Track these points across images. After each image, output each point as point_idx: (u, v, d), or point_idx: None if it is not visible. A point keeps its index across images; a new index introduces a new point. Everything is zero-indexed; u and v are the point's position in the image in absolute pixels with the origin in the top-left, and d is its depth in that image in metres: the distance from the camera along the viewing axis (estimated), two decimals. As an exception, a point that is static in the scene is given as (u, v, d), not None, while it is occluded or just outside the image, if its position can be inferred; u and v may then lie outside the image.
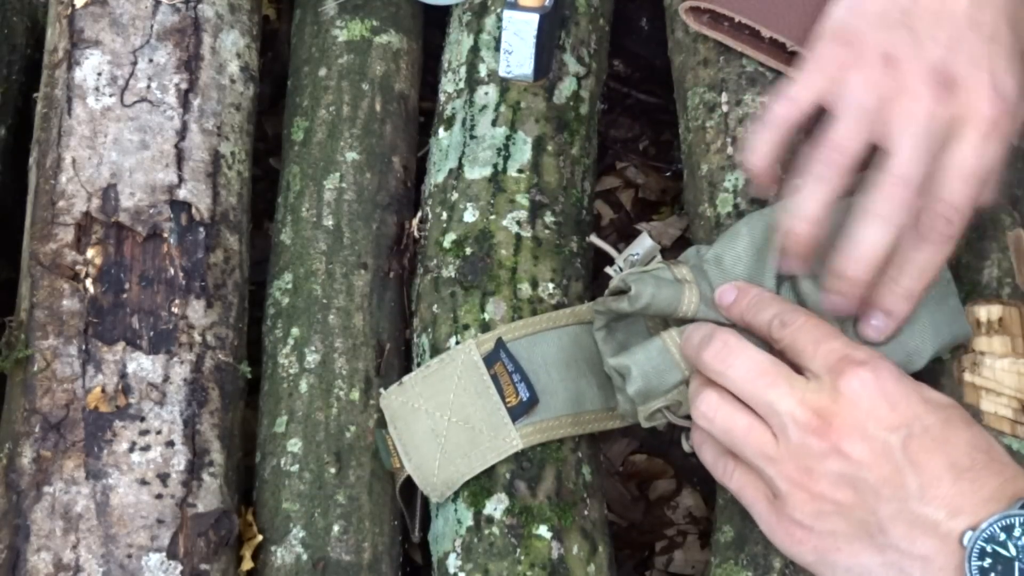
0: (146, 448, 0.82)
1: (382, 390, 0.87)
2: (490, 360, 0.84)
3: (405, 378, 0.86)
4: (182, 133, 0.91)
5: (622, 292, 0.79)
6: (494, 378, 0.83)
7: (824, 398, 0.67)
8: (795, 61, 0.88)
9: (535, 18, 0.92)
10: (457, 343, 0.86)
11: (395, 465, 0.85)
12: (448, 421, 0.83)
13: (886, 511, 0.65)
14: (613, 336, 0.82)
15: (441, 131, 0.98)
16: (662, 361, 0.77)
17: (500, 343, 0.84)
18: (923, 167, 0.71)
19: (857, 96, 0.72)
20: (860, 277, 0.73)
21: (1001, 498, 0.63)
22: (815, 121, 0.75)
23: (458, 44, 1.01)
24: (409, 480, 0.85)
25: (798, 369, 0.70)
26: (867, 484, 0.65)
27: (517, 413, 0.82)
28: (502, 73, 0.96)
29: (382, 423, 0.87)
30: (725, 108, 0.93)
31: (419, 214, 0.96)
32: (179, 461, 0.82)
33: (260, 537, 0.85)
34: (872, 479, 0.65)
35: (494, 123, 0.95)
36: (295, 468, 0.86)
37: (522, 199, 0.92)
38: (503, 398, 0.83)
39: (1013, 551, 0.61)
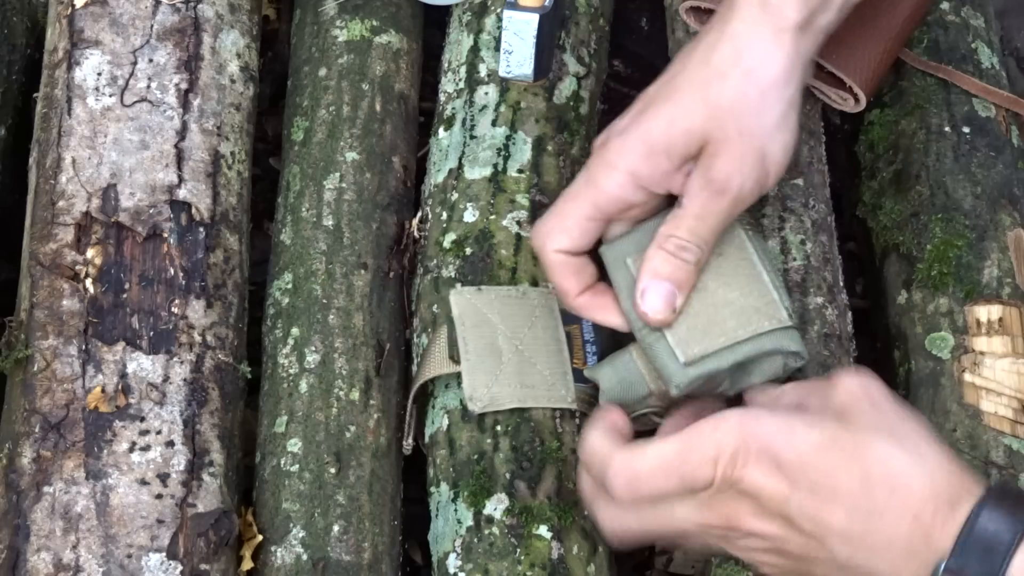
0: (146, 448, 0.82)
1: (457, 286, 0.88)
2: (567, 319, 0.86)
3: (483, 287, 0.87)
4: (182, 133, 0.91)
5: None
6: (568, 336, 0.85)
7: (722, 501, 0.68)
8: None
9: (535, 18, 0.92)
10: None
11: (438, 366, 0.85)
12: (516, 348, 0.85)
13: (823, 570, 0.67)
14: None
15: (441, 131, 0.98)
16: (628, 373, 0.80)
17: None
18: None
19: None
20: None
21: (923, 562, 0.63)
22: None
23: (458, 44, 1.01)
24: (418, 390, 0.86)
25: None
26: (793, 552, 0.67)
27: (579, 377, 0.84)
28: (502, 73, 0.96)
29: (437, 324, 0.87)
30: (725, 108, 0.93)
31: (419, 214, 0.96)
32: (179, 461, 0.82)
33: (260, 537, 0.85)
34: (794, 547, 0.67)
35: (494, 123, 0.95)
36: (295, 468, 0.86)
37: (522, 199, 0.92)
38: (571, 357, 0.85)
39: None
